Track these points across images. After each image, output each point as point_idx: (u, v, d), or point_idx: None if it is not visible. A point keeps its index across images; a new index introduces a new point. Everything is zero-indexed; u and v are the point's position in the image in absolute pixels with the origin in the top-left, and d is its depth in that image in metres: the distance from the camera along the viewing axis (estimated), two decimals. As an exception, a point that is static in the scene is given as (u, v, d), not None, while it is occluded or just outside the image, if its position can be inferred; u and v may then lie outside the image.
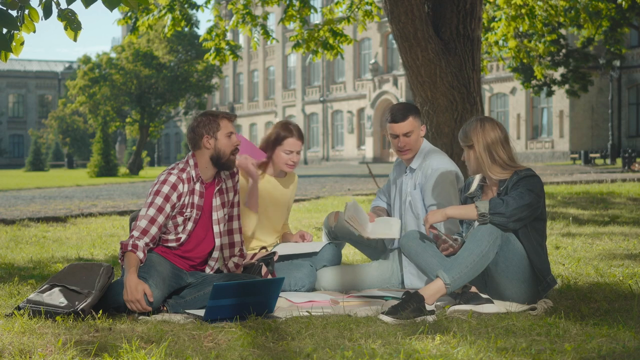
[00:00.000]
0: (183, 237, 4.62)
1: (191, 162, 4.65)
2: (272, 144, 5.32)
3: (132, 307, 4.25)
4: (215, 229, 4.70)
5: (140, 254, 4.40)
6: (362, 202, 13.92)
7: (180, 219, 4.59)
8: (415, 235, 4.63)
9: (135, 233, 4.47)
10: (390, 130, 5.16)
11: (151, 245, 4.53)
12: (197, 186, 4.62)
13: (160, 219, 4.51)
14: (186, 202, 4.59)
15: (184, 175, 4.60)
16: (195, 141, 4.64)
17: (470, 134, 4.51)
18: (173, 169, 4.63)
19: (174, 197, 4.54)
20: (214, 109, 72.37)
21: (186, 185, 4.59)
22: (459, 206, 4.49)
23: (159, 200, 4.52)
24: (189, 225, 4.62)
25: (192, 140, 4.65)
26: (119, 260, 4.49)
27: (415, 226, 5.11)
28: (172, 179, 4.57)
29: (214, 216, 4.69)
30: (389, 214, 5.44)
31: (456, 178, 5.12)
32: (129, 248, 4.40)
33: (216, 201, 4.70)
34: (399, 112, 5.13)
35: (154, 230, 4.50)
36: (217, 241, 4.72)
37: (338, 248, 5.44)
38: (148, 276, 4.35)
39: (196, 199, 4.61)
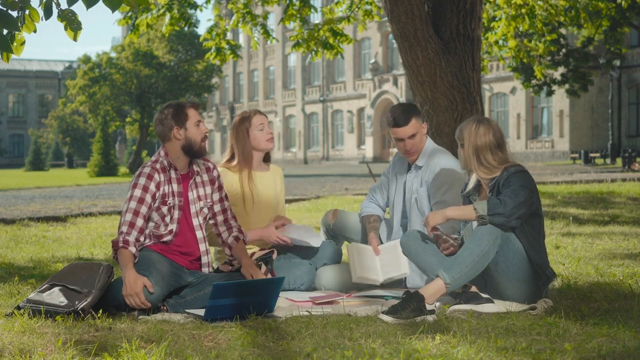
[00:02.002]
0: (174, 227, 4.63)
1: (162, 152, 4.70)
2: (242, 133, 5.27)
3: (131, 301, 4.26)
4: (195, 221, 4.71)
5: (133, 249, 4.44)
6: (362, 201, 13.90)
7: (165, 209, 4.62)
8: (415, 234, 4.63)
9: (124, 228, 4.50)
10: (394, 134, 5.14)
11: (141, 240, 4.54)
12: (173, 173, 4.67)
13: (143, 209, 4.55)
14: (166, 190, 4.63)
15: (158, 166, 4.66)
16: (165, 134, 4.68)
17: (464, 132, 4.54)
18: (147, 162, 4.70)
19: (152, 187, 4.58)
20: (214, 108, 72.59)
21: (162, 175, 4.64)
22: (459, 207, 4.48)
23: (137, 192, 4.56)
24: (176, 214, 4.64)
25: (161, 133, 4.70)
26: (113, 259, 4.51)
27: (420, 223, 5.11)
28: (147, 170, 4.62)
29: (192, 209, 4.71)
30: (382, 220, 5.41)
31: (464, 175, 5.12)
32: (121, 245, 4.44)
33: (192, 194, 4.72)
34: (401, 116, 5.10)
35: (139, 222, 4.53)
36: (199, 234, 4.73)
37: (338, 246, 5.43)
38: (148, 274, 4.35)
39: (175, 186, 4.66)
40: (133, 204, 4.54)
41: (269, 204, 5.34)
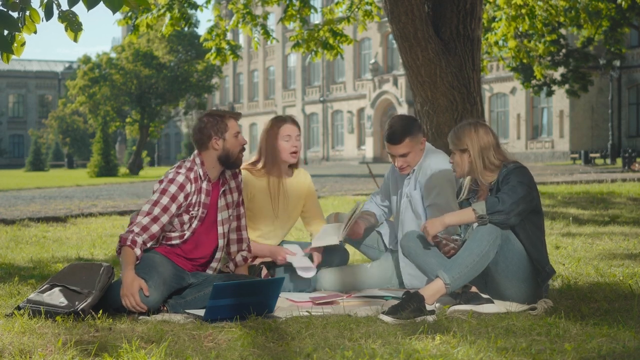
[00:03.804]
0: (187, 234, 4.60)
1: (197, 160, 4.62)
2: (270, 139, 5.16)
3: (127, 302, 4.23)
4: (220, 229, 4.69)
5: (138, 251, 4.39)
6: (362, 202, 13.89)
7: (186, 217, 4.58)
8: (414, 235, 4.63)
9: (136, 229, 4.44)
10: (387, 148, 5.13)
11: (149, 244, 4.50)
12: (204, 184, 4.61)
13: (164, 218, 4.49)
14: (193, 201, 4.57)
15: (192, 175, 4.58)
16: (203, 142, 4.61)
17: (465, 138, 4.50)
18: (180, 167, 4.61)
19: (180, 197, 4.52)
20: (213, 108, 72.60)
21: (193, 185, 4.57)
22: (456, 212, 4.47)
23: (165, 200, 4.49)
24: (195, 223, 4.60)
25: (199, 141, 4.62)
26: (116, 253, 4.48)
27: (415, 226, 5.10)
28: (180, 179, 4.54)
29: (219, 217, 4.68)
30: (377, 219, 5.45)
31: (455, 178, 5.11)
32: (128, 243, 4.38)
33: (221, 202, 4.69)
34: (396, 133, 5.03)
35: (155, 228, 4.47)
36: (221, 242, 4.71)
37: (341, 245, 5.41)
38: (148, 277, 4.34)
39: (203, 197, 4.60)
40: (156, 211, 4.47)
41: (292, 210, 5.29)
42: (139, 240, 4.41)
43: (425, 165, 5.13)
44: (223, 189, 4.70)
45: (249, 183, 5.16)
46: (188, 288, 4.57)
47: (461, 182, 4.70)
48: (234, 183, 4.79)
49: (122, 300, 4.25)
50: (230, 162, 4.63)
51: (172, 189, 4.51)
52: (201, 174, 4.60)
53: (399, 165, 5.12)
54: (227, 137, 4.60)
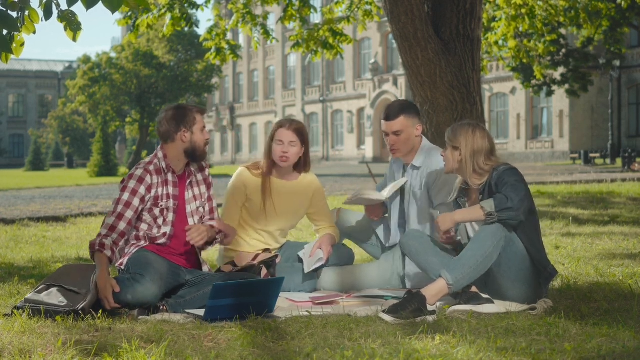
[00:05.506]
0: (167, 230, 4.62)
1: (160, 154, 4.67)
2: (268, 141, 5.24)
3: (104, 304, 4.25)
4: (190, 221, 4.71)
5: (108, 252, 4.40)
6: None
7: (157, 211, 4.60)
8: (416, 234, 4.64)
9: (103, 231, 4.48)
10: (382, 126, 5.21)
11: (121, 243, 4.51)
12: (170, 176, 4.65)
13: (129, 213, 4.53)
14: (159, 193, 4.60)
15: (152, 167, 4.62)
16: (169, 135, 4.64)
17: (460, 136, 4.54)
18: (140, 164, 4.67)
19: (141, 190, 4.56)
20: (214, 108, 72.59)
21: (155, 177, 4.60)
22: (466, 210, 4.48)
23: (125, 196, 4.54)
24: (170, 217, 4.63)
25: (165, 133, 4.65)
26: (91, 258, 4.47)
27: (419, 224, 5.13)
28: (139, 172, 4.59)
29: (188, 209, 4.71)
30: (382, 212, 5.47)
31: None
32: (96, 248, 4.40)
33: (188, 194, 4.72)
34: (392, 110, 5.15)
35: (122, 225, 4.50)
36: None
37: (350, 250, 5.40)
38: (145, 273, 4.35)
39: (170, 189, 4.64)
40: (119, 208, 4.53)
41: (287, 211, 5.27)
42: (107, 242, 4.43)
43: (433, 164, 5.12)
44: (189, 180, 4.73)
45: (246, 182, 5.19)
46: (186, 286, 4.58)
47: (455, 184, 4.73)
48: (200, 176, 4.82)
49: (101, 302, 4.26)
50: (196, 156, 4.67)
51: (132, 183, 4.57)
52: (164, 166, 4.63)
53: (391, 144, 5.16)
54: (195, 130, 4.64)
